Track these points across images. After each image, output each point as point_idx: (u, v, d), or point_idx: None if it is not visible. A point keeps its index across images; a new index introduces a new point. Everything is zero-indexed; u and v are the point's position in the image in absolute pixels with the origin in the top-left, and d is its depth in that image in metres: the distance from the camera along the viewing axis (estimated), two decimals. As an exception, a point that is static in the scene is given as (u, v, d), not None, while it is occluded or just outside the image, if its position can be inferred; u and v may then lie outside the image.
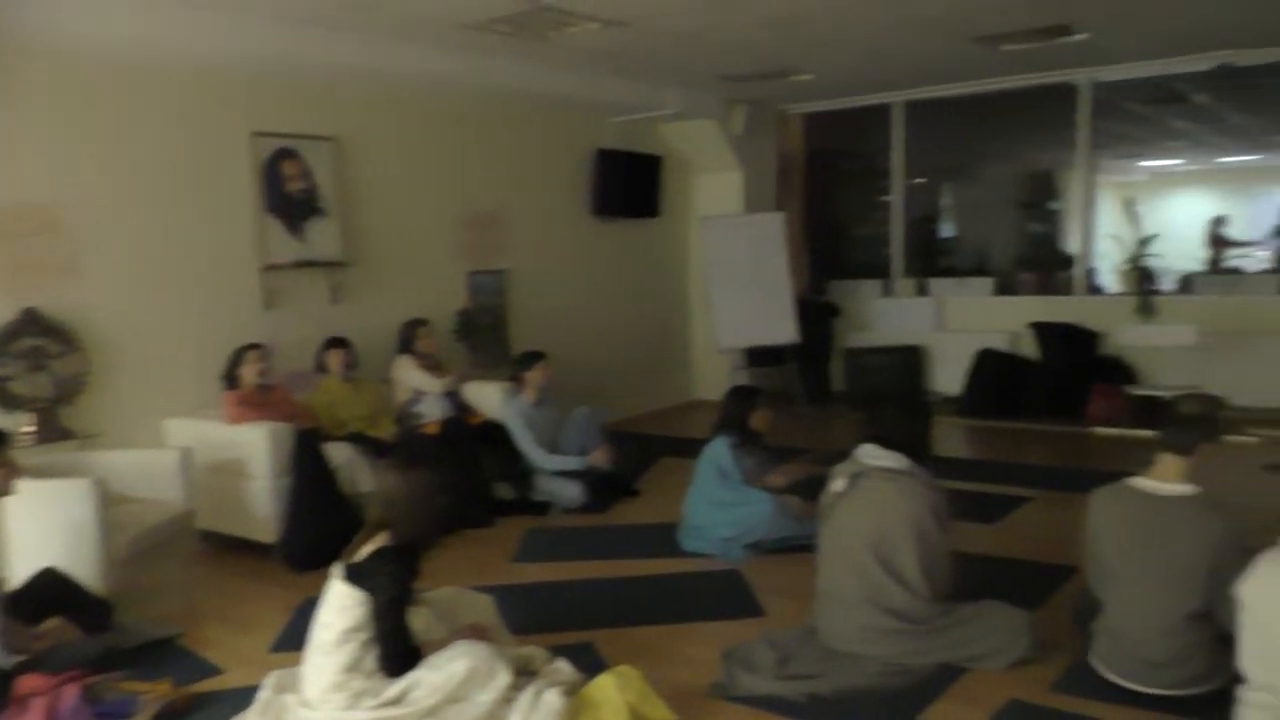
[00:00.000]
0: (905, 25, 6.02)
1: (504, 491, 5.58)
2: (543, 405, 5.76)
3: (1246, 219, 13.40)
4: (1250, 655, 2.36)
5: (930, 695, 3.13)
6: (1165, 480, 3.02)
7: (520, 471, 5.58)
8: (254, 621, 4.02)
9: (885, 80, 8.11)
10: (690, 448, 5.44)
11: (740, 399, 4.94)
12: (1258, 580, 2.33)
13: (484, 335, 6.87)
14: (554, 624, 3.78)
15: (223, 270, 5.44)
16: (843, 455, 3.60)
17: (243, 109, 5.50)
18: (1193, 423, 3.07)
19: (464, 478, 5.29)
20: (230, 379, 4.99)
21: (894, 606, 3.29)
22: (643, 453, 6.75)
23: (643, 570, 4.51)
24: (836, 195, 10.22)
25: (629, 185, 8.12)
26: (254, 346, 5.05)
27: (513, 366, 5.94)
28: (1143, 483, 3.07)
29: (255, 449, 4.73)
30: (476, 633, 3.03)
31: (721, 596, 4.15)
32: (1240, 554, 2.80)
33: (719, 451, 4.80)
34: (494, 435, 5.63)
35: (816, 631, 3.51)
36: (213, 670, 3.55)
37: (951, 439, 7.32)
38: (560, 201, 7.69)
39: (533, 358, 5.79)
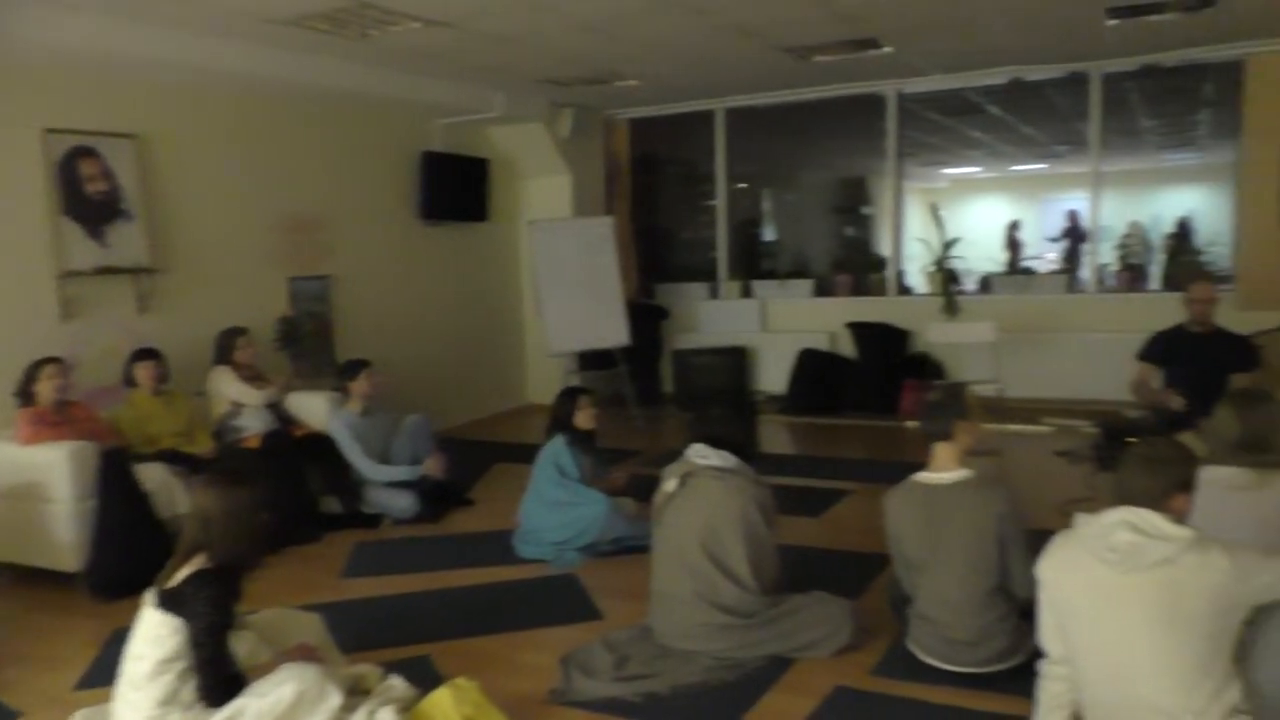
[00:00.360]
0: (720, 34, 6.20)
1: (332, 505, 5.40)
2: (371, 415, 5.60)
3: (1038, 223, 14.49)
4: (1048, 631, 2.55)
5: (762, 687, 3.24)
6: (942, 470, 3.25)
7: (349, 484, 5.42)
8: (57, 658, 3.74)
9: (707, 87, 8.32)
10: (524, 453, 5.43)
11: (565, 398, 4.99)
12: (1053, 560, 2.51)
13: (308, 344, 6.63)
14: (387, 639, 3.69)
15: (11, 278, 5.02)
16: (674, 456, 3.68)
17: (33, 103, 5.10)
18: (941, 408, 3.29)
19: (288, 493, 5.09)
20: (24, 396, 4.62)
21: (725, 602, 3.39)
22: (476, 460, 6.68)
23: (479, 579, 4.46)
24: (663, 200, 10.42)
25: (457, 188, 8.01)
26: (51, 361, 4.69)
27: (338, 376, 5.76)
28: (926, 477, 3.29)
29: (54, 470, 4.40)
30: (304, 654, 2.92)
31: (558, 602, 4.16)
32: (1018, 521, 3.12)
33: (557, 449, 4.82)
34: (320, 447, 5.44)
35: (652, 631, 3.57)
36: (11, 715, 3.28)
37: (777, 436, 7.58)
38: (386, 205, 7.51)
39: (357, 366, 5.62)
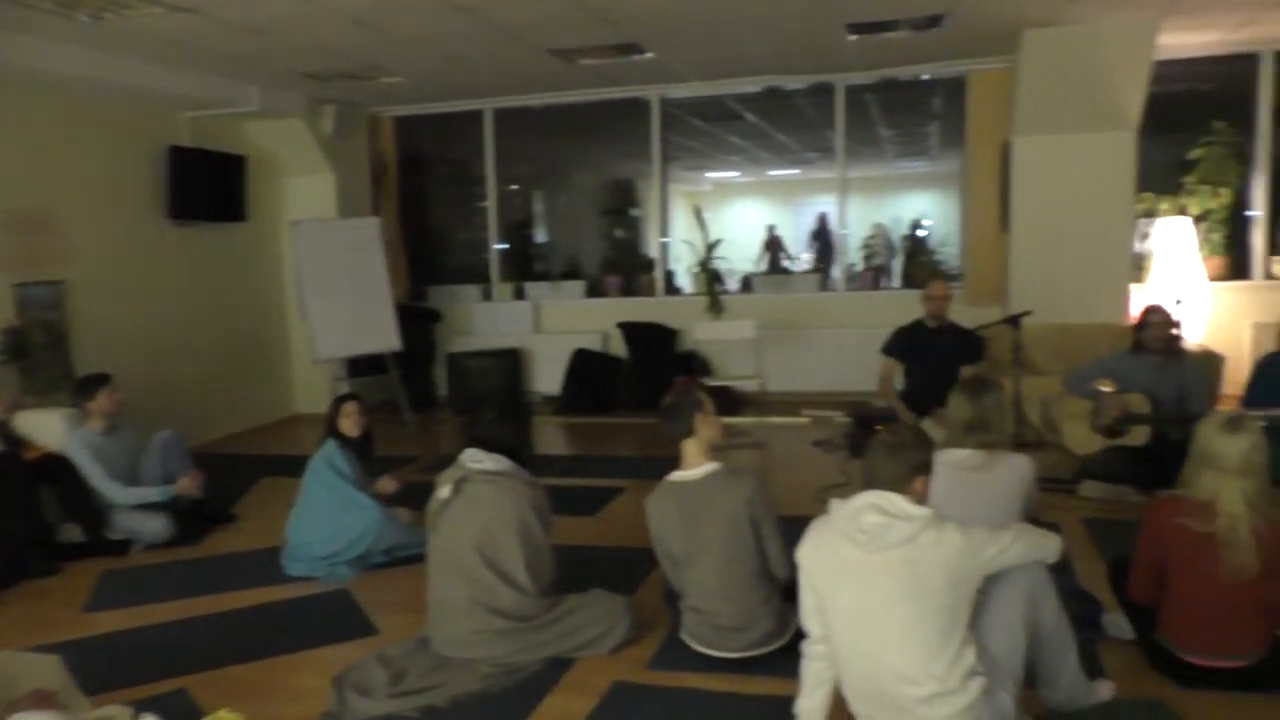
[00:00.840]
0: (484, 33, 6.17)
1: (73, 533, 4.94)
2: (114, 433, 5.16)
3: (793, 227, 15.34)
4: (808, 611, 2.71)
5: (542, 690, 3.25)
6: (692, 466, 3.40)
7: (91, 509, 4.96)
8: None
9: (475, 86, 8.25)
10: (293, 465, 5.17)
11: (332, 405, 4.87)
12: (809, 544, 2.67)
13: (39, 356, 6.04)
14: (140, 675, 3.43)
15: None
16: (448, 461, 3.63)
17: None
18: (677, 409, 3.43)
19: (19, 522, 4.62)
20: None
21: (502, 606, 3.38)
22: (241, 475, 6.31)
23: (243, 602, 4.21)
24: (434, 200, 10.24)
25: (209, 186, 7.54)
26: None
27: (73, 393, 5.26)
28: (678, 475, 3.43)
29: None
30: (39, 702, 2.66)
31: (330, 619, 4.00)
32: (767, 505, 3.31)
33: (330, 452, 4.68)
34: (56, 470, 4.95)
35: (430, 641, 3.51)
36: None
37: (552, 437, 7.63)
38: (129, 203, 6.95)
39: (95, 382, 5.13)
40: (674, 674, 3.33)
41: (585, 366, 8.53)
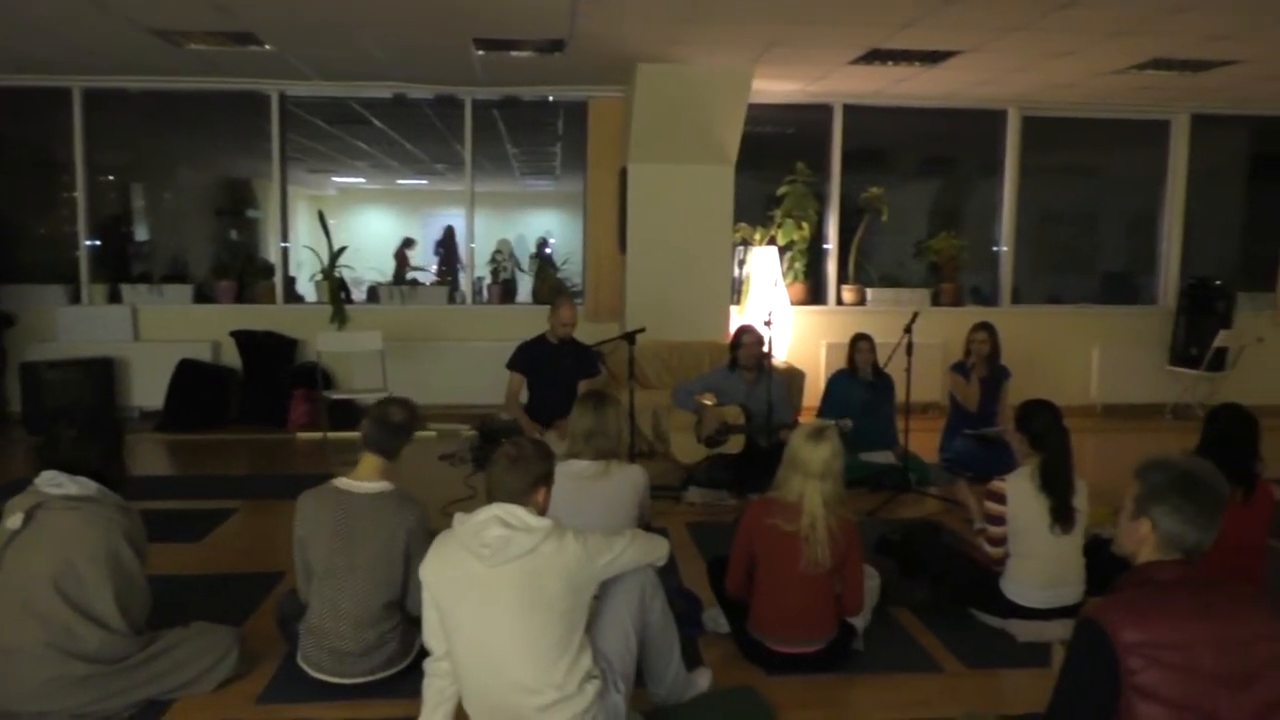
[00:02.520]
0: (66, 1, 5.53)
1: None
2: None
3: (422, 238, 15.22)
4: (431, 629, 2.69)
5: (133, 737, 2.94)
6: (365, 479, 3.27)
7: None
8: None
9: (61, 62, 7.33)
10: None
11: None
12: (433, 560, 2.65)
13: None
14: None
15: None
16: (19, 487, 3.17)
17: None
18: (399, 429, 3.34)
19: None
20: None
21: (86, 650, 2.99)
22: None
23: None
24: (7, 188, 8.90)
25: None
26: None
27: None
28: (346, 482, 3.27)
29: None
30: None
31: None
32: (425, 540, 3.15)
33: None
34: None
35: (-9, 697, 3.03)
36: None
37: (152, 456, 6.96)
38: None
39: None
40: (287, 706, 3.15)
41: (192, 378, 7.85)
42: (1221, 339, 8.42)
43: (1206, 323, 8.61)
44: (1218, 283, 8.75)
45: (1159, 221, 9.28)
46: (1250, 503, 3.54)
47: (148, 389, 7.92)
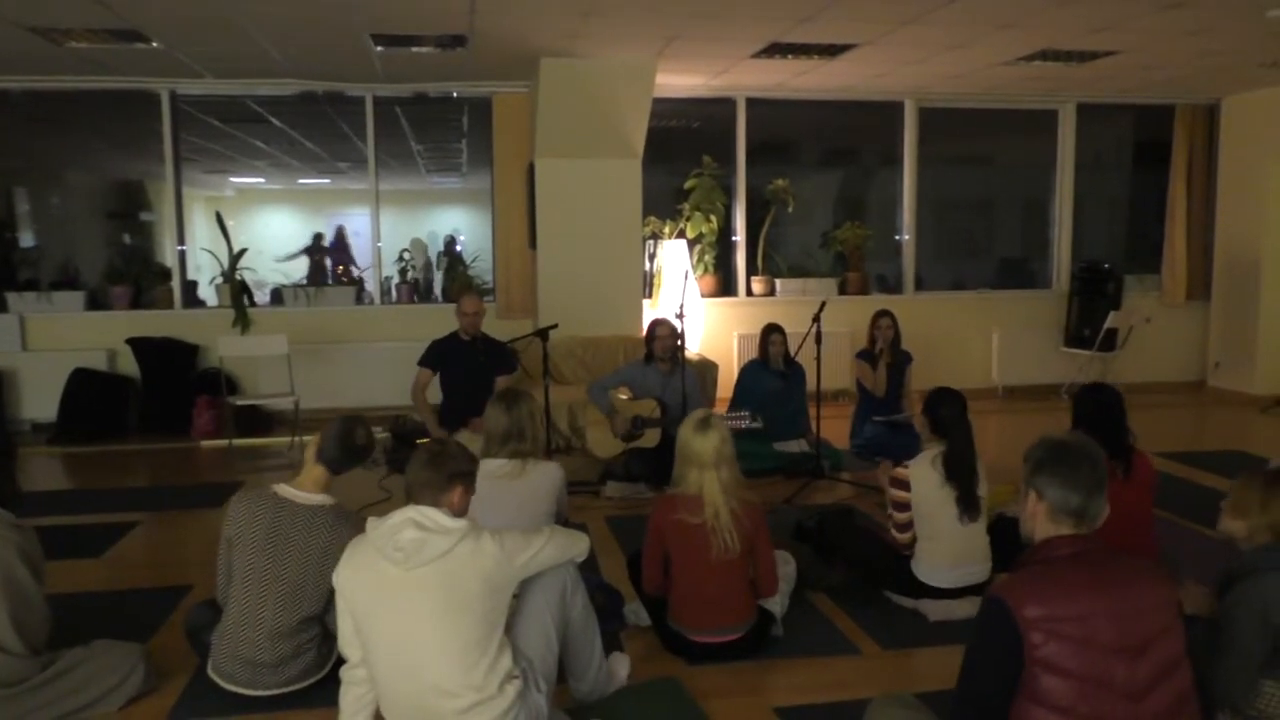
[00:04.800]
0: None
1: None
2: None
3: (326, 238, 14.86)
4: (347, 636, 2.64)
5: (35, 763, 2.82)
6: (306, 489, 3.16)
7: None
8: None
9: (-69, 62, 6.97)
10: None
11: None
12: (347, 565, 2.60)
13: None
14: None
15: None
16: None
17: None
18: (361, 451, 3.22)
19: None
20: None
21: (-18, 675, 2.87)
22: None
23: None
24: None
25: None
26: None
27: None
28: (287, 490, 3.16)
29: None
30: None
31: None
32: None
33: None
34: None
35: (-123, 731, 2.88)
36: None
37: (45, 470, 6.67)
38: None
39: None
40: (196, 720, 3.06)
41: (87, 388, 7.55)
42: (1112, 320, 8.77)
43: (1097, 305, 8.97)
44: (1106, 266, 9.12)
45: (1050, 208, 9.62)
46: (1131, 477, 3.69)
47: (39, 400, 7.59)
